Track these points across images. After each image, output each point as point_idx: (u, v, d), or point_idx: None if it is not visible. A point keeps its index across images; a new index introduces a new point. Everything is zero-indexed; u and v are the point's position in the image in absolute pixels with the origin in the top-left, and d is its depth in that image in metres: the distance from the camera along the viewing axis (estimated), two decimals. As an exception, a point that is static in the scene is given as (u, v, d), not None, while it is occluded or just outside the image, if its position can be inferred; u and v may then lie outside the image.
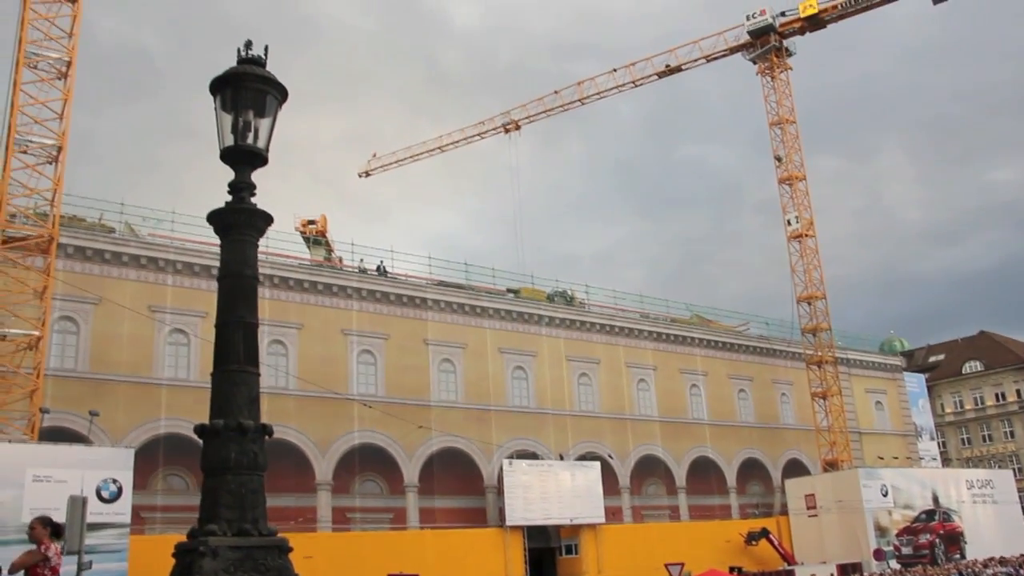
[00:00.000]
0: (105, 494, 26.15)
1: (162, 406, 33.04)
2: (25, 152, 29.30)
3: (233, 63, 7.38)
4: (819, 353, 49.02)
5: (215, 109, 7.34)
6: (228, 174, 7.37)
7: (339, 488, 36.50)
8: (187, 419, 32.35)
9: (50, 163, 29.73)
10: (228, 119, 7.28)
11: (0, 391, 28.09)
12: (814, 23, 49.88)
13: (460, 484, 39.58)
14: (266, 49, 7.42)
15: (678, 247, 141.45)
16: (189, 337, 34.44)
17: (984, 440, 67.63)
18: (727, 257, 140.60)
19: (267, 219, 7.40)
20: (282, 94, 7.46)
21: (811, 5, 49.56)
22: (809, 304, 49.37)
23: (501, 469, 39.11)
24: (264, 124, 7.35)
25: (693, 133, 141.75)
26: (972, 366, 69.65)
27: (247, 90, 7.25)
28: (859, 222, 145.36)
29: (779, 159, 50.22)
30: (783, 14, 50.31)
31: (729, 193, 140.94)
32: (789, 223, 49.56)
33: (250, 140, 7.26)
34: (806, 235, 49.28)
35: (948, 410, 69.57)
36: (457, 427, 40.07)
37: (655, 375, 48.06)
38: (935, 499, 46.96)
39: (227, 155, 7.28)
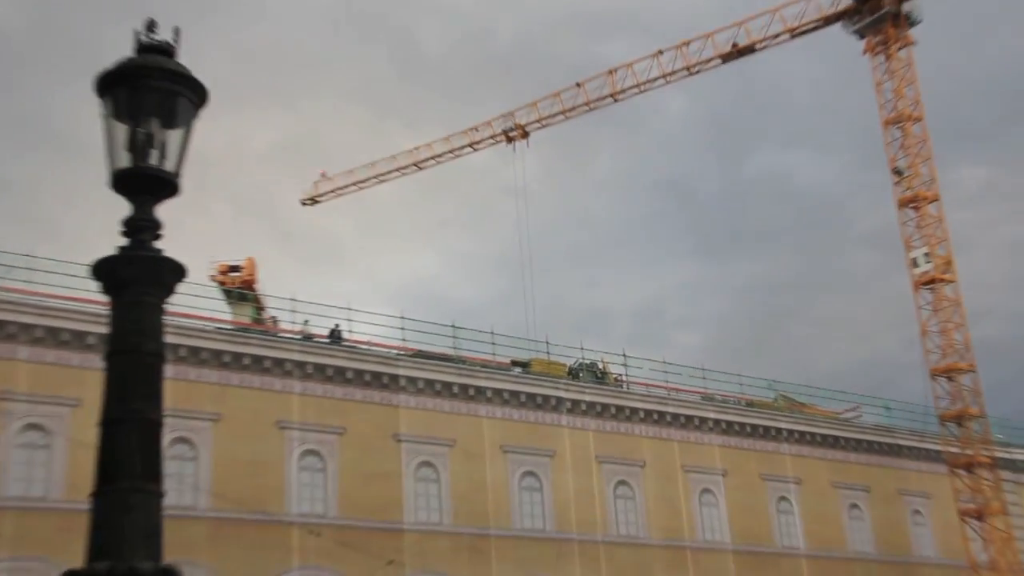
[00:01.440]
0: None
1: (1, 540, 32.80)
2: None
3: (126, 50, 7.40)
4: (968, 451, 48.24)
5: (103, 116, 7.33)
6: (119, 206, 7.40)
7: (271, 652, 36.39)
8: (40, 557, 32.00)
9: None
10: (122, 131, 7.28)
11: None
12: (946, -21, 50.35)
13: (446, 644, 39.54)
14: (176, 32, 7.53)
15: (754, 299, 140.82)
16: (52, 437, 34.37)
17: None
18: (825, 312, 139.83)
19: (178, 272, 7.43)
20: (200, 96, 7.50)
21: (941, -46, 49.95)
22: (949, 379, 48.88)
23: (506, 622, 39.04)
24: (174, 138, 7.37)
25: (773, 138, 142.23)
26: None
27: (150, 90, 7.28)
28: (1021, 260, 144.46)
29: (899, 172, 50.47)
30: (903, -33, 50.84)
31: (826, 221, 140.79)
32: (916, 263, 49.55)
33: (154, 161, 7.27)
34: (941, 279, 49.16)
35: None
36: (442, 561, 39.86)
37: (725, 483, 47.98)
38: None
39: (121, 181, 7.29)
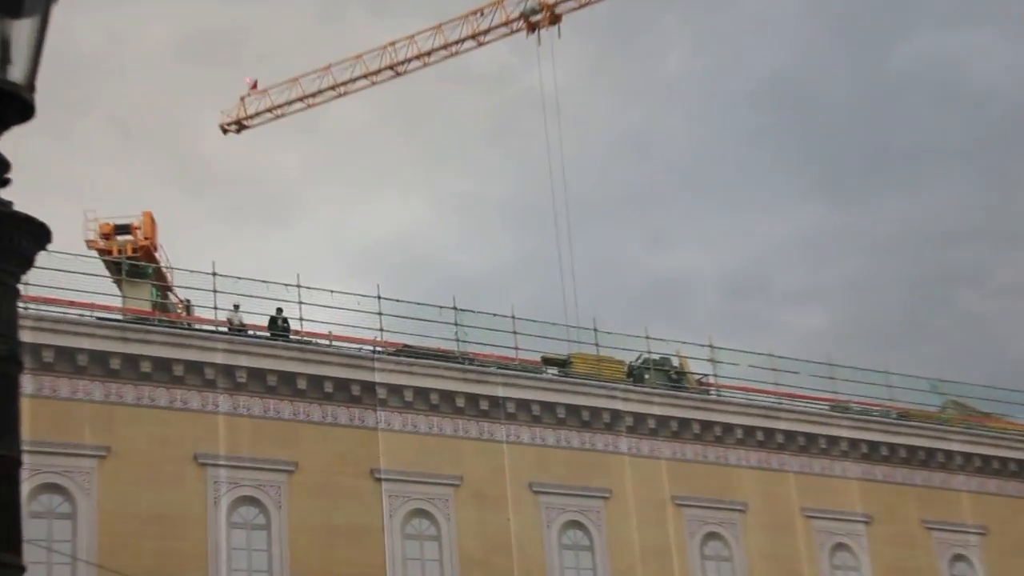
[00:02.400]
0: None
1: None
2: None
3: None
4: None
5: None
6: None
7: None
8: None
9: None
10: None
11: None
12: None
13: None
14: None
15: (908, 258, 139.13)
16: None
17: None
18: (1020, 276, 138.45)
19: (38, 235, 7.44)
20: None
21: None
22: None
23: None
24: (23, 32, 7.37)
25: (935, 12, 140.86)
26: None
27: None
28: None
29: None
30: None
31: (1021, 136, 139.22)
32: None
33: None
34: None
35: None
36: (446, 658, 40.47)
37: (870, 535, 47.87)
38: None
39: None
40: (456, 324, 44.73)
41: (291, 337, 42.44)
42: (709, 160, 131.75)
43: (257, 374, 39.95)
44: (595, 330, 47.46)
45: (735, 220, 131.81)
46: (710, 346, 49.12)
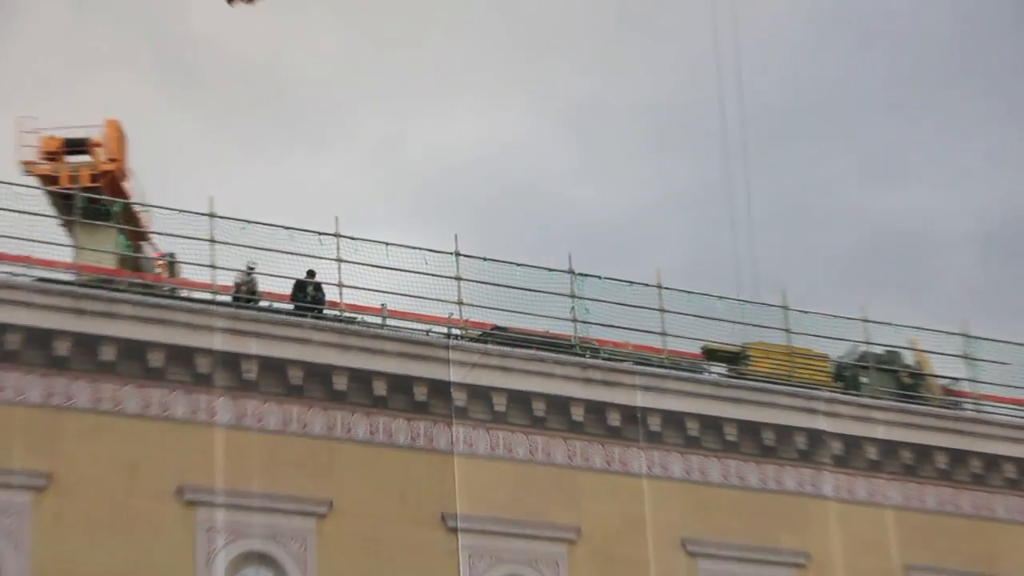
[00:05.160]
0: None
1: None
2: None
3: None
4: None
5: None
6: None
7: None
8: None
9: None
10: None
11: None
12: None
13: None
14: None
15: None
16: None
17: None
18: None
19: None
20: None
21: None
22: None
23: None
24: None
25: None
26: None
27: None
28: None
29: None
30: None
31: None
32: None
33: None
34: None
35: None
36: None
37: None
38: None
39: None
40: (572, 296, 44.74)
41: (326, 312, 42.10)
42: (964, 48, 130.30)
43: (274, 367, 39.75)
44: (785, 308, 47.21)
45: (1004, 140, 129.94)
46: (963, 335, 48.60)
